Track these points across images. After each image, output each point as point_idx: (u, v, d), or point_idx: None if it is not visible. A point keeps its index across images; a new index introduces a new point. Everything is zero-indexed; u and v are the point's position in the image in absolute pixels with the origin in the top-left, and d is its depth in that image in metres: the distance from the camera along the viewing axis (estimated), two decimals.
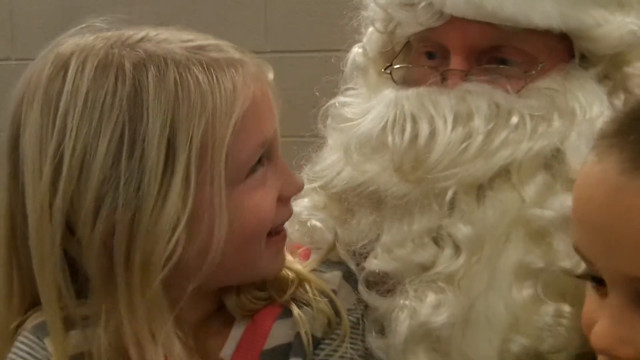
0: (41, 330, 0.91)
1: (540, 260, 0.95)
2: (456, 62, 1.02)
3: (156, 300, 0.86)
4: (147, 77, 0.84)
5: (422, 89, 1.02)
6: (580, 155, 0.95)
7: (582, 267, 0.91)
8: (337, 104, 1.09)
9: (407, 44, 1.08)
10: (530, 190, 0.96)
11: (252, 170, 0.90)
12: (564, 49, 1.04)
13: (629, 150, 0.68)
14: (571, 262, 0.93)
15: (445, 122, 0.98)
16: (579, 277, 0.76)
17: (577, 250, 0.74)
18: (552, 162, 0.98)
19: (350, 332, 0.98)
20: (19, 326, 0.93)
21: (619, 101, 1.03)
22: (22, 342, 0.92)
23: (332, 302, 0.98)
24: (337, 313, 0.98)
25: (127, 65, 0.85)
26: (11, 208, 0.90)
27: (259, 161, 0.90)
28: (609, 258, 0.70)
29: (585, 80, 1.02)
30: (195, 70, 0.86)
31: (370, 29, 1.12)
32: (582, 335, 0.92)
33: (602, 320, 0.71)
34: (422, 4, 1.00)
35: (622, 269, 0.69)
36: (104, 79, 0.85)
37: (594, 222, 0.70)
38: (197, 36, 0.91)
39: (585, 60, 1.05)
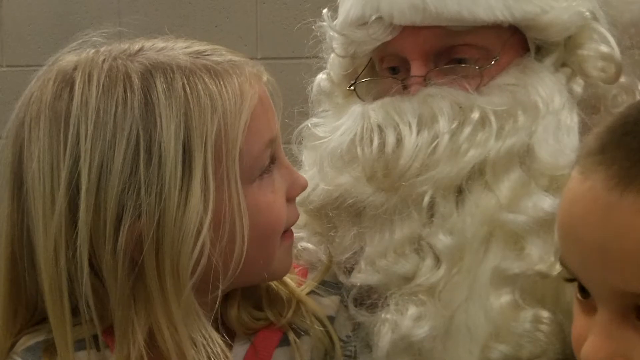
0: (32, 354, 0.90)
1: (516, 265, 0.95)
2: (415, 69, 1.04)
3: (191, 306, 0.86)
4: (156, 85, 0.85)
5: (385, 99, 1.04)
6: (549, 148, 0.97)
7: (556, 269, 0.92)
8: (309, 125, 1.12)
9: (370, 62, 1.10)
10: (505, 189, 0.97)
11: (265, 170, 0.91)
12: (517, 43, 1.05)
13: (617, 167, 0.67)
14: (545, 265, 0.94)
15: (410, 127, 0.99)
16: (568, 280, 0.75)
17: (563, 264, 0.74)
18: (525, 158, 0.99)
19: None
20: (10, 348, 0.92)
21: (579, 87, 1.04)
22: None
23: (327, 331, 0.99)
24: (332, 342, 0.99)
25: (134, 75, 0.85)
26: (13, 232, 0.89)
27: (271, 161, 0.92)
28: (599, 274, 0.69)
29: (543, 72, 1.03)
30: (201, 74, 0.87)
31: (332, 55, 1.14)
32: (561, 341, 0.93)
33: (593, 337, 0.70)
34: (373, 19, 1.02)
35: (613, 285, 0.68)
36: (112, 90, 0.84)
37: (583, 240, 0.69)
38: (192, 42, 0.92)
39: (541, 51, 1.06)
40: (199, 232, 0.84)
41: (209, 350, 0.86)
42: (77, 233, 0.84)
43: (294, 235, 1.01)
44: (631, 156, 0.67)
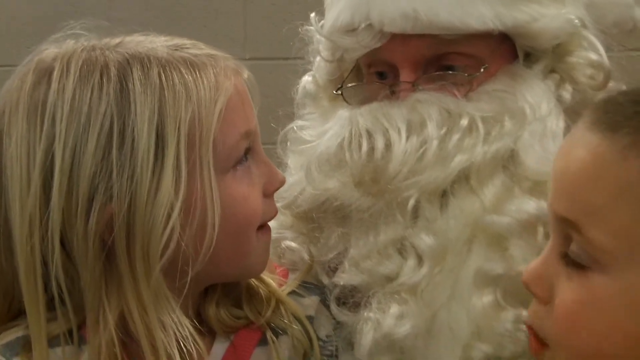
0: (10, 350, 0.90)
1: (499, 266, 0.96)
2: (404, 75, 1.04)
3: (161, 289, 0.87)
4: (132, 73, 0.86)
5: (374, 104, 1.04)
6: (534, 154, 0.98)
7: None
8: (294, 127, 1.12)
9: (356, 66, 1.10)
10: (489, 193, 0.98)
11: (239, 161, 0.92)
12: (507, 50, 1.06)
13: (597, 114, 0.76)
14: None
15: (399, 133, 1.00)
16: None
17: None
18: (509, 163, 1.00)
19: None
20: None
21: (567, 93, 1.05)
22: None
23: (307, 331, 1.00)
24: (312, 342, 0.99)
25: (112, 64, 0.87)
26: None
27: (245, 153, 0.92)
28: (553, 199, 0.78)
29: (532, 79, 1.04)
30: (177, 64, 0.88)
31: (318, 58, 1.15)
32: None
33: (536, 260, 0.79)
34: (363, 26, 1.03)
35: (555, 209, 0.77)
36: (89, 77, 0.86)
37: (554, 168, 0.79)
38: (173, 37, 0.94)
39: (530, 57, 1.07)
40: (169, 216, 0.85)
41: (178, 334, 0.87)
42: (49, 213, 0.85)
43: (279, 234, 1.03)
44: (609, 107, 0.76)
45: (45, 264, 0.87)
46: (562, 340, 0.75)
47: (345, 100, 1.09)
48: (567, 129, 1.01)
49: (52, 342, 0.89)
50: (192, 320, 0.90)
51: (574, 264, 0.75)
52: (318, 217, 1.05)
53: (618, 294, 0.72)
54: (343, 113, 1.06)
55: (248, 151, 0.93)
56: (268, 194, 0.96)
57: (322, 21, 1.11)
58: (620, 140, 0.72)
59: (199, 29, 2.19)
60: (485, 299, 0.96)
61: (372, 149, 1.00)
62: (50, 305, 0.89)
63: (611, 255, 0.72)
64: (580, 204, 0.73)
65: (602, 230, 0.72)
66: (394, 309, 0.97)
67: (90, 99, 0.85)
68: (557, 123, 1.01)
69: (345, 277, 1.01)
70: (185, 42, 0.93)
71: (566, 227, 0.75)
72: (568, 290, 0.75)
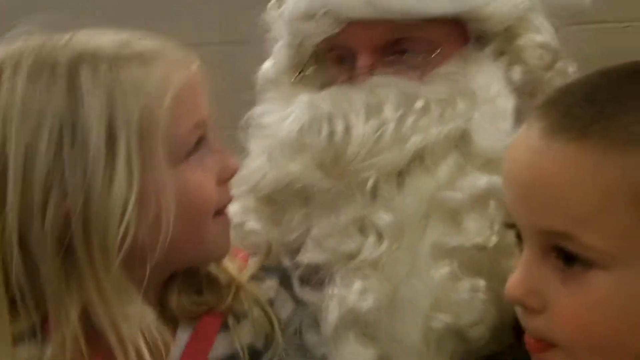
0: None
1: (454, 239, 1.00)
2: (362, 60, 1.08)
3: (121, 281, 0.89)
4: (81, 70, 0.88)
5: (333, 89, 1.08)
6: (485, 133, 1.03)
7: (492, 241, 0.99)
8: (256, 113, 1.15)
9: (315, 52, 1.13)
10: (443, 171, 1.02)
11: (192, 151, 0.94)
12: (460, 33, 1.10)
13: (551, 119, 0.75)
14: (482, 238, 0.99)
15: (357, 115, 1.03)
16: (507, 226, 0.82)
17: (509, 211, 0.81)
18: (460, 142, 1.04)
19: (290, 341, 1.03)
20: None
21: (517, 74, 1.09)
22: None
23: (268, 314, 1.02)
24: (272, 324, 1.02)
25: (60, 62, 0.88)
26: None
27: (197, 143, 0.94)
28: (524, 212, 0.76)
29: (482, 61, 1.08)
30: (126, 59, 0.90)
31: (279, 44, 1.18)
32: (497, 307, 0.98)
33: (515, 274, 0.77)
34: (322, 12, 1.06)
35: (533, 223, 0.75)
36: (38, 76, 0.88)
37: (516, 180, 0.77)
38: (122, 32, 0.95)
39: (481, 40, 1.11)
40: (124, 210, 0.87)
41: (142, 323, 0.89)
42: (6, 213, 0.87)
43: (243, 218, 1.05)
44: (563, 110, 0.75)
45: (4, 263, 0.89)
46: (576, 341, 0.75)
47: (305, 85, 1.13)
48: (517, 109, 1.05)
49: (17, 340, 0.90)
50: (155, 309, 0.92)
51: (567, 268, 0.74)
52: (281, 200, 1.08)
53: (624, 288, 0.72)
54: (303, 97, 1.09)
55: (201, 140, 0.95)
56: (222, 182, 0.97)
57: (282, 7, 1.15)
58: (595, 146, 0.72)
59: (174, 14, 2.20)
60: (443, 270, 0.99)
61: (332, 132, 1.03)
62: (14, 305, 0.90)
63: (611, 255, 0.72)
64: (568, 214, 0.72)
65: (598, 234, 0.72)
66: (357, 284, 1.00)
67: (40, 99, 0.87)
68: (506, 103, 1.05)
69: (309, 256, 1.04)
70: (135, 35, 0.94)
71: (553, 238, 0.74)
72: (567, 295, 0.74)
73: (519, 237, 0.79)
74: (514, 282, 0.77)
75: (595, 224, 0.71)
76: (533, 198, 0.75)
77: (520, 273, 0.77)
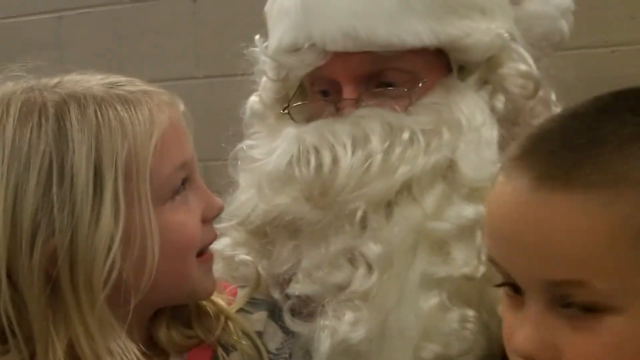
0: None
1: (442, 269, 1.01)
2: (347, 92, 1.10)
3: (105, 317, 0.91)
4: (69, 112, 0.90)
5: (319, 122, 1.09)
6: (470, 162, 1.04)
7: (480, 271, 0.99)
8: (244, 147, 1.16)
9: (301, 85, 1.15)
10: (430, 201, 1.03)
11: (176, 191, 0.96)
12: (442, 64, 1.12)
13: (537, 169, 0.74)
14: (469, 268, 1.00)
15: (345, 148, 1.05)
16: (498, 285, 0.80)
17: (491, 262, 0.80)
18: (447, 172, 1.05)
19: None
20: None
21: (500, 103, 1.10)
22: None
23: (256, 346, 1.03)
24: (261, 356, 1.03)
25: (49, 104, 0.91)
26: None
27: (182, 183, 0.96)
28: (525, 267, 0.75)
29: (466, 91, 1.10)
30: (113, 101, 0.92)
31: (264, 78, 1.20)
32: (486, 338, 1.00)
33: (524, 328, 0.75)
34: (306, 46, 1.08)
35: (537, 275, 0.74)
36: (28, 117, 0.90)
37: (509, 236, 0.75)
38: (109, 75, 0.98)
39: (463, 70, 1.12)
40: (110, 248, 0.89)
41: (125, 358, 0.91)
42: None
43: (233, 251, 1.06)
44: (545, 159, 0.74)
45: None
46: None
47: (292, 118, 1.14)
48: (501, 137, 1.07)
49: None
50: (138, 345, 0.93)
51: (576, 315, 0.73)
52: (271, 232, 1.09)
53: (638, 328, 0.72)
54: (290, 131, 1.10)
55: (185, 180, 0.97)
56: (207, 221, 0.99)
57: (266, 42, 1.16)
58: (595, 196, 0.71)
59: (151, 49, 2.21)
60: (432, 301, 1.00)
61: (320, 164, 1.05)
62: (3, 338, 0.92)
63: (624, 297, 0.71)
64: (579, 262, 0.71)
65: (609, 278, 0.71)
66: (349, 315, 1.01)
67: (30, 138, 0.89)
68: (491, 132, 1.07)
69: (299, 288, 1.05)
70: (121, 79, 0.97)
71: (564, 287, 0.73)
72: (580, 342, 0.73)
73: (503, 285, 0.79)
74: (524, 338, 0.75)
75: (605, 267, 0.71)
76: (530, 250, 0.73)
77: (527, 328, 0.75)
